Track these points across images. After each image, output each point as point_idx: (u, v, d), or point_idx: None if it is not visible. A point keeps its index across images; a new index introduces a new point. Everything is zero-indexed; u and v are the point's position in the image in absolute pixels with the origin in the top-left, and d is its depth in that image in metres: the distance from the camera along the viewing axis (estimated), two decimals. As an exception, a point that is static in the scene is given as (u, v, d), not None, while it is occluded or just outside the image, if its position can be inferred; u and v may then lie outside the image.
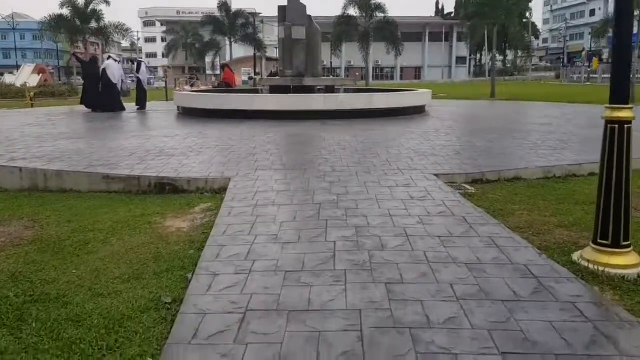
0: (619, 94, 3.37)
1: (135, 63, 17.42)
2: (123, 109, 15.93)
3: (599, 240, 3.51)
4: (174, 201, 5.78)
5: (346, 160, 7.16)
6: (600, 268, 3.40)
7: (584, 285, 3.16)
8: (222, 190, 5.95)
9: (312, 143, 8.89)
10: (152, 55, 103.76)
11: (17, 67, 50.00)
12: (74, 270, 3.72)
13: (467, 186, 6.11)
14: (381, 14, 29.18)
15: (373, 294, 3.00)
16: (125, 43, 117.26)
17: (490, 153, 7.74)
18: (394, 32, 29.40)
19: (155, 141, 9.02)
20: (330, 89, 14.48)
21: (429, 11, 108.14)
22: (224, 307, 2.87)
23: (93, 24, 29.79)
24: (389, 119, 12.55)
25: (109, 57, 16.11)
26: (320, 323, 2.67)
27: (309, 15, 14.58)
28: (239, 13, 36.62)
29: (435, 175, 6.28)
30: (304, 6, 14.50)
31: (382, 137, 9.44)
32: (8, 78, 45.39)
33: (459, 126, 11.74)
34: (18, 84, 35.45)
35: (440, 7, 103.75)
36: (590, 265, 3.45)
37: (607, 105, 3.45)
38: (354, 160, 7.20)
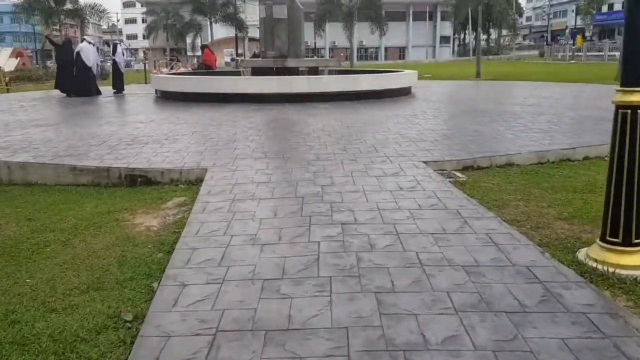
0: (632, 74, 3.00)
1: (112, 45, 16.76)
2: (99, 93, 15.35)
3: (608, 238, 3.19)
4: (146, 195, 5.39)
5: (331, 147, 6.79)
6: (611, 269, 3.09)
7: (595, 291, 2.85)
8: (199, 181, 5.57)
9: (295, 128, 8.49)
10: (133, 37, 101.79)
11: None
12: (27, 280, 3.33)
13: (458, 174, 5.78)
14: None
15: (362, 307, 2.66)
16: (105, 25, 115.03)
17: (480, 137, 7.41)
18: (378, 12, 28.84)
19: (129, 128, 8.56)
20: (314, 71, 14.03)
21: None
22: (191, 328, 2.50)
23: (68, 6, 28.79)
24: (375, 101, 12.16)
25: (83, 39, 15.44)
26: (301, 346, 2.32)
27: (290, -6, 14.07)
28: (220, -9, 35.83)
29: (425, 162, 5.94)
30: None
31: (369, 121, 9.06)
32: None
33: (446, 108, 11.40)
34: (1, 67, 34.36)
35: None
36: (599, 266, 3.13)
37: (619, 88, 3.09)
38: (339, 147, 6.83)
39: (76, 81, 14.86)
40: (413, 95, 13.68)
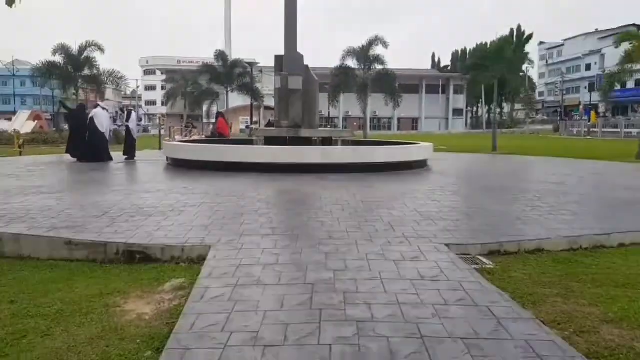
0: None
1: (126, 112, 16.84)
2: (111, 159, 15.22)
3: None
4: (143, 274, 4.95)
5: (345, 225, 6.36)
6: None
7: None
8: (201, 260, 5.14)
9: (307, 202, 8.11)
10: (152, 103, 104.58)
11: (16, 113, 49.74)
12: (-9, 383, 2.85)
13: (484, 259, 5.30)
14: (380, 66, 29.05)
15: None
16: (126, 91, 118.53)
17: (505, 218, 6.95)
18: (393, 84, 29.16)
19: (134, 198, 8.22)
20: (327, 141, 13.82)
21: (425, 64, 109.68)
22: None
23: (87, 72, 29.49)
24: (391, 174, 11.82)
25: (97, 105, 15.51)
26: None
27: (307, 65, 14.09)
28: (237, 63, 36.59)
29: (447, 245, 5.47)
30: (302, 56, 14.03)
31: (384, 195, 8.66)
32: (4, 124, 45.09)
33: (465, 184, 11.01)
34: (11, 131, 34.97)
35: (436, 60, 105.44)
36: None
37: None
38: (353, 224, 6.39)
39: (88, 147, 14.77)
40: (429, 169, 13.34)
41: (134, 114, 16.41)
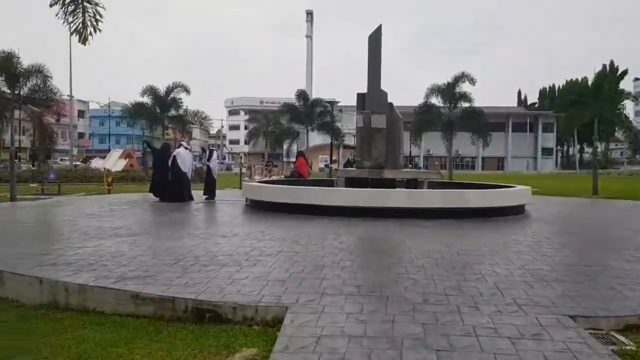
0: None
1: (207, 151, 16.84)
2: (192, 198, 15.13)
3: None
4: (211, 339, 4.35)
5: (441, 284, 5.48)
6: None
7: None
8: (277, 323, 4.48)
9: (394, 253, 7.27)
10: (235, 142, 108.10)
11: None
12: None
13: (621, 338, 4.26)
14: (466, 104, 27.92)
15: None
16: (212, 130, 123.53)
17: (634, 280, 5.79)
18: (481, 122, 27.87)
19: (209, 243, 7.74)
20: (412, 183, 12.96)
21: (511, 101, 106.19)
22: None
23: (172, 112, 30.50)
24: (485, 220, 10.74)
25: (180, 145, 15.57)
26: None
27: (391, 103, 13.42)
28: (317, 102, 36.71)
29: (572, 317, 4.45)
30: (385, 93, 13.39)
31: (482, 247, 7.67)
32: (97, 162, 47.64)
33: (574, 235, 9.75)
34: (104, 168, 36.67)
35: (523, 97, 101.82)
36: None
37: None
38: (451, 284, 5.50)
39: (170, 186, 14.77)
40: (527, 215, 12.09)
41: (215, 154, 16.37)
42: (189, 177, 15.53)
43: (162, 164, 15.12)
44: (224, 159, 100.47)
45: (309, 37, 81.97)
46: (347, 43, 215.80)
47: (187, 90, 29.83)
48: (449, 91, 27.16)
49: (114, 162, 44.90)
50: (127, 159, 45.07)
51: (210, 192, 15.70)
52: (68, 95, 57.59)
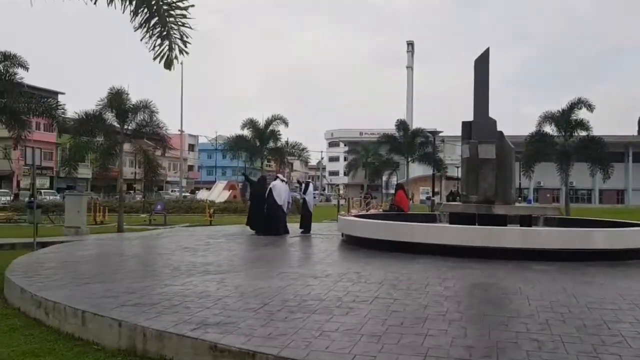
0: None
1: (304, 184, 16.53)
2: (287, 232, 14.79)
3: None
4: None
5: (572, 348, 4.45)
6: None
7: None
8: (370, 391, 3.70)
9: (510, 304, 6.24)
10: (334, 173, 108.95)
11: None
12: None
13: None
14: (584, 132, 25.55)
15: None
16: (310, 162, 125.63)
17: None
18: (602, 152, 25.35)
19: (300, 285, 7.15)
20: (527, 220, 11.67)
21: (629, 129, 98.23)
22: None
23: (271, 144, 30.89)
24: (612, 265, 9.29)
25: (277, 177, 15.35)
26: None
27: (501, 132, 12.29)
28: (418, 132, 35.64)
29: None
30: (494, 121, 12.30)
31: (618, 299, 6.42)
32: (203, 194, 49.64)
33: None
34: (208, 200, 37.96)
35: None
36: None
37: None
38: (585, 348, 4.45)
39: (266, 219, 14.53)
40: (664, 258, 10.37)
41: (311, 186, 15.99)
42: (284, 210, 15.25)
43: (259, 197, 14.96)
44: (324, 189, 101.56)
45: (410, 67, 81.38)
46: (450, 74, 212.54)
47: (285, 122, 30.17)
48: (564, 118, 25.03)
49: (219, 193, 46.61)
50: (231, 190, 46.55)
51: (306, 226, 15.29)
52: (179, 130, 61.16)
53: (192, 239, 13.31)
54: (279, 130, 30.36)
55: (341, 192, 51.13)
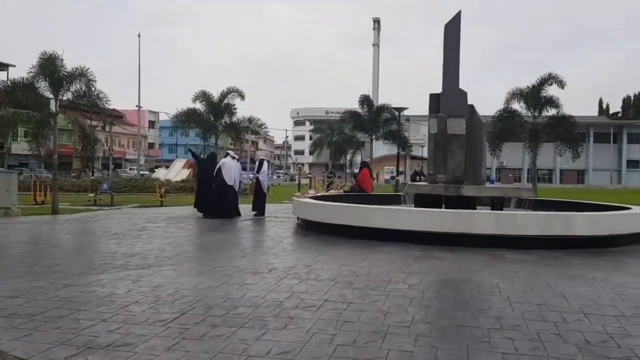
0: None
1: (257, 162, 15.12)
2: (238, 214, 13.42)
3: None
4: None
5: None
6: None
7: None
8: None
9: (487, 309, 5.06)
10: (300, 152, 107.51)
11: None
12: None
13: None
14: (554, 110, 24.72)
15: None
16: (277, 141, 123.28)
17: None
18: (572, 131, 24.60)
19: (235, 283, 5.84)
20: (498, 202, 10.61)
21: (590, 110, 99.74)
22: None
23: (226, 119, 28.98)
24: (596, 253, 8.30)
25: (227, 154, 13.86)
26: None
27: (471, 105, 11.13)
28: (383, 108, 34.31)
29: None
30: (465, 93, 11.12)
31: (617, 300, 5.33)
32: (160, 172, 47.49)
33: None
34: (163, 178, 36.09)
35: (605, 106, 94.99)
36: None
37: None
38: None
39: (214, 200, 13.13)
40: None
41: (265, 165, 14.56)
42: (236, 190, 13.85)
43: (207, 176, 13.54)
44: (289, 168, 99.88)
45: (376, 45, 79.83)
46: (417, 55, 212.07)
47: (241, 95, 28.27)
48: (534, 95, 24.09)
49: (177, 171, 44.52)
50: (190, 169, 44.53)
51: (259, 208, 13.93)
52: (137, 106, 58.52)
53: (128, 223, 11.83)
54: (234, 104, 28.50)
55: (302, 170, 49.82)
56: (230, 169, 13.17)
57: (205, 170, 13.80)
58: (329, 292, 5.50)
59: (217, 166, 13.25)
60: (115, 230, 10.52)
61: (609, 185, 63.46)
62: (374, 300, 5.20)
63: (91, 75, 15.73)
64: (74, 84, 15.66)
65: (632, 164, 74.01)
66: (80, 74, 15.58)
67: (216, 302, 5.06)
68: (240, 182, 14.03)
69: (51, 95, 15.82)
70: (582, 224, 8.65)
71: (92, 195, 25.18)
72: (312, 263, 7.08)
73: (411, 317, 4.68)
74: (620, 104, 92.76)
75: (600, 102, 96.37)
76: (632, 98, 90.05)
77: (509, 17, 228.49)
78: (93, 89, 15.98)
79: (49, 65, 15.37)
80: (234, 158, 13.60)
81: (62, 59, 15.59)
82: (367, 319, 4.59)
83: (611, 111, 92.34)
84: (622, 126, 74.62)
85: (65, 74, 15.57)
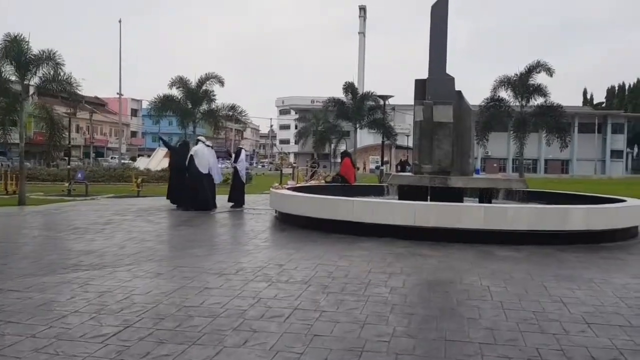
0: None
1: (235, 150, 14.40)
2: (214, 206, 12.73)
3: None
4: None
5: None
6: None
7: None
8: None
9: (478, 319, 4.47)
10: (285, 141, 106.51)
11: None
12: None
13: None
14: (541, 99, 24.19)
15: None
16: (263, 130, 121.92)
17: None
18: (561, 120, 24.12)
19: (195, 287, 5.18)
20: (487, 194, 10.06)
21: (575, 101, 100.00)
22: None
23: (205, 106, 27.99)
24: (591, 249, 7.78)
25: (198, 141, 13.13)
26: None
27: (459, 92, 10.53)
28: (367, 96, 33.55)
29: None
30: (452, 78, 10.52)
31: (621, 305, 4.78)
32: (142, 161, 46.48)
33: None
34: (143, 167, 35.19)
35: (589, 96, 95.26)
36: None
37: None
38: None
39: (187, 191, 12.41)
40: (643, 239, 8.97)
41: (243, 153, 13.80)
42: (215, 180, 13.14)
43: (179, 165, 12.82)
44: (274, 158, 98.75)
45: (362, 33, 78.96)
46: (404, 44, 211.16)
47: (220, 81, 27.27)
48: (521, 83, 23.53)
49: (158, 161, 43.51)
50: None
51: (236, 199, 13.24)
52: (118, 93, 57.26)
53: (94, 216, 11.09)
54: (213, 91, 27.45)
55: (286, 160, 49.06)
56: (203, 156, 12.44)
57: (178, 159, 13.06)
58: (300, 298, 4.87)
59: (189, 155, 12.52)
60: (78, 224, 9.79)
61: (593, 175, 63.57)
62: (350, 308, 4.59)
63: (59, 58, 14.86)
64: (41, 67, 14.77)
65: (616, 154, 74.27)
66: (48, 57, 14.70)
67: (169, 311, 4.41)
68: (217, 171, 13.22)
69: (18, 80, 14.94)
70: (578, 218, 8.10)
71: (67, 185, 24.32)
72: (285, 262, 6.45)
73: (392, 328, 4.08)
74: (605, 94, 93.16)
75: (585, 93, 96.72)
76: (616, 88, 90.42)
77: (493, 9, 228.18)
78: (62, 73, 15.12)
79: (14, 48, 14.47)
80: (207, 145, 12.86)
81: (27, 41, 14.70)
82: (341, 332, 3.97)
83: (595, 101, 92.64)
84: (607, 116, 74.72)
85: (32, 57, 14.68)
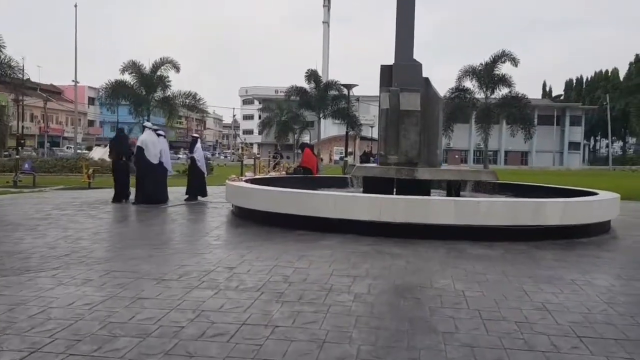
0: None
1: (190, 140, 13.54)
2: (166, 199, 11.88)
3: None
4: None
5: None
6: None
7: None
8: None
9: (455, 332, 3.89)
10: (249, 132, 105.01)
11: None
12: None
13: None
14: (506, 89, 24.03)
15: None
16: (227, 120, 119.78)
17: None
18: (525, 111, 24.01)
19: (126, 297, 4.43)
20: (456, 186, 9.56)
21: (535, 94, 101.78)
22: None
23: (159, 93, 26.73)
24: (565, 246, 7.36)
25: (144, 127, 12.19)
26: None
27: (426, 78, 9.97)
28: (331, 84, 32.84)
29: None
30: (420, 65, 9.96)
31: (610, 313, 4.28)
32: (97, 152, 44.67)
33: None
34: (98, 158, 33.68)
35: (548, 89, 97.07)
36: None
37: None
38: None
39: (136, 185, 11.51)
40: (616, 235, 8.62)
41: (199, 143, 12.96)
42: (168, 170, 12.26)
43: (119, 157, 11.92)
44: (238, 149, 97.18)
45: (326, 22, 78.11)
46: (368, 37, 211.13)
47: (176, 67, 26.06)
48: (486, 73, 23.28)
49: (115, 151, 41.89)
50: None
51: (193, 192, 12.40)
52: (73, 81, 54.99)
53: (32, 210, 10.11)
54: (168, 77, 26.23)
55: (249, 150, 48.01)
56: (153, 145, 11.54)
57: (117, 150, 12.09)
58: (250, 310, 4.19)
59: (136, 146, 11.60)
60: (11, 219, 8.84)
61: (551, 166, 64.82)
62: (307, 322, 3.93)
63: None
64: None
65: (574, 145, 75.95)
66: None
67: (90, 329, 3.67)
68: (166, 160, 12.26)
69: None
70: (554, 212, 7.64)
71: (14, 176, 22.92)
72: (236, 264, 5.75)
73: (356, 349, 3.44)
74: (563, 87, 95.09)
75: (544, 85, 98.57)
76: (574, 81, 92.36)
77: (459, 2, 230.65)
78: (2, 55, 13.93)
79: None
80: (158, 134, 11.94)
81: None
82: (295, 355, 3.32)
83: (554, 94, 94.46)
84: (565, 109, 76.25)
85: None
